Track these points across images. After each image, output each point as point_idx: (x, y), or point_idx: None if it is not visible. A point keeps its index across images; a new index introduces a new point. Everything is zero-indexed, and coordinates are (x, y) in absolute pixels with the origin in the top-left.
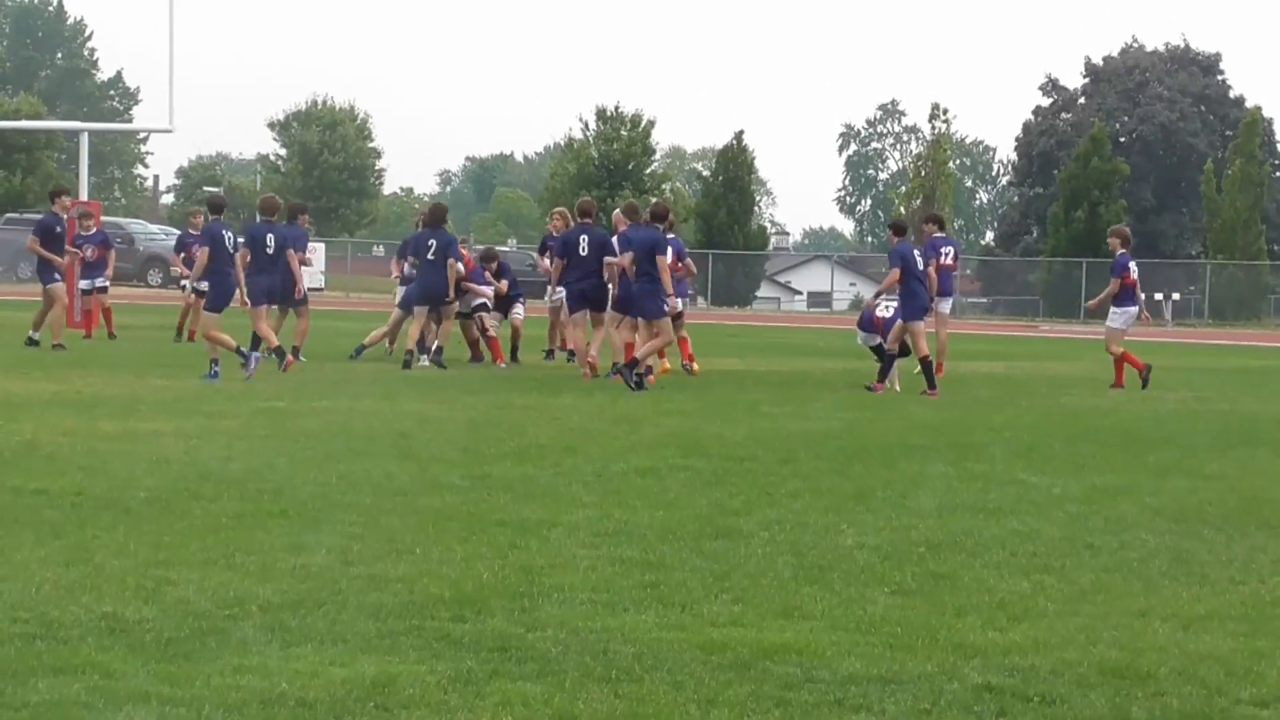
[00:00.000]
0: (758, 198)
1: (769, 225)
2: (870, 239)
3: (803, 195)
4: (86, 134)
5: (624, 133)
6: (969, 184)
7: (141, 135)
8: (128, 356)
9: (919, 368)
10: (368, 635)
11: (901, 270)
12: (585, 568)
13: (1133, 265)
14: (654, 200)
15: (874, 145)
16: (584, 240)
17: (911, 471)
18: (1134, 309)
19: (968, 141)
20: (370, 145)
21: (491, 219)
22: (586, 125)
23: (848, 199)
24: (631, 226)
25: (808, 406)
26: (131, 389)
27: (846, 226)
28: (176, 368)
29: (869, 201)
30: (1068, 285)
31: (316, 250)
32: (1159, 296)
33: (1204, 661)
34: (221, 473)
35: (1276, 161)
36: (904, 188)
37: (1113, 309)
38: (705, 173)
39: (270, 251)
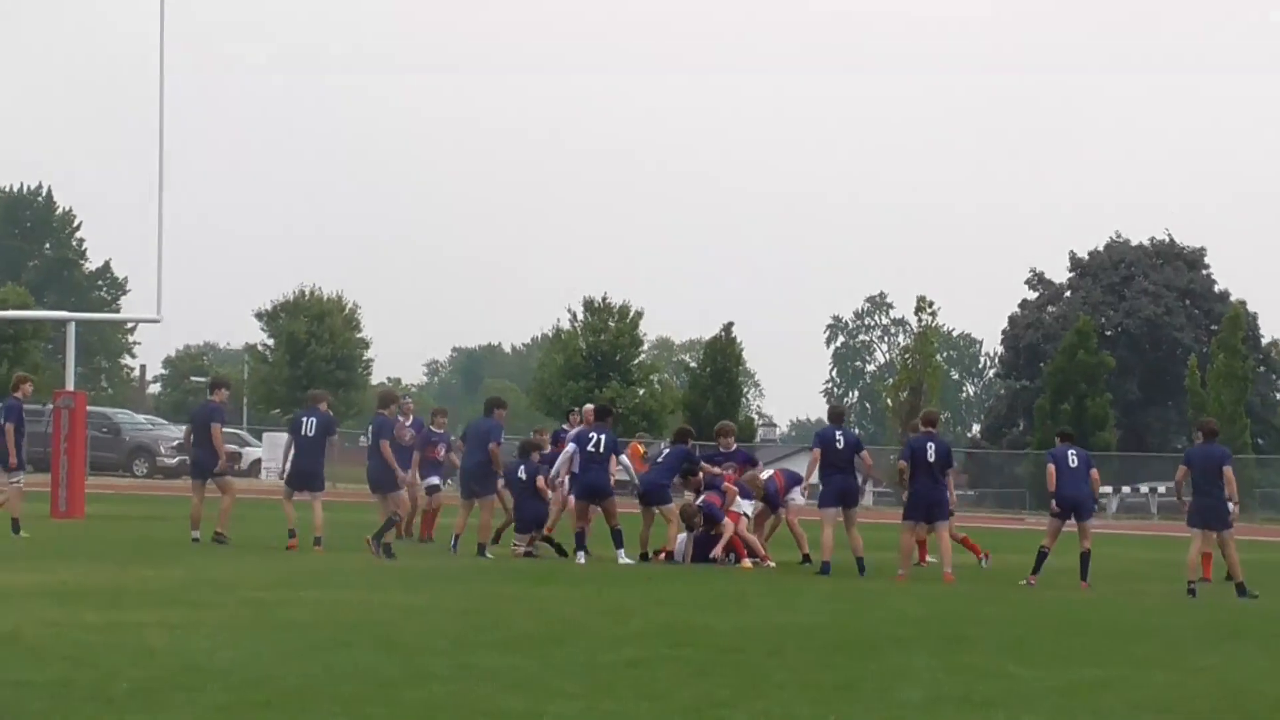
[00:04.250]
0: (745, 389)
1: (756, 417)
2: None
3: (790, 387)
4: (74, 324)
5: (611, 324)
6: (956, 376)
7: (129, 325)
8: (113, 547)
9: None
10: None
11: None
12: None
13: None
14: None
15: (861, 337)
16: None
17: (898, 664)
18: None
19: (954, 334)
20: (358, 335)
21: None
22: (574, 316)
23: (835, 390)
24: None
25: (795, 599)
26: (116, 579)
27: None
28: (161, 558)
29: (856, 393)
30: None
31: None
32: (1144, 489)
33: None
34: (206, 663)
35: (1260, 355)
36: (891, 380)
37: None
38: (693, 364)
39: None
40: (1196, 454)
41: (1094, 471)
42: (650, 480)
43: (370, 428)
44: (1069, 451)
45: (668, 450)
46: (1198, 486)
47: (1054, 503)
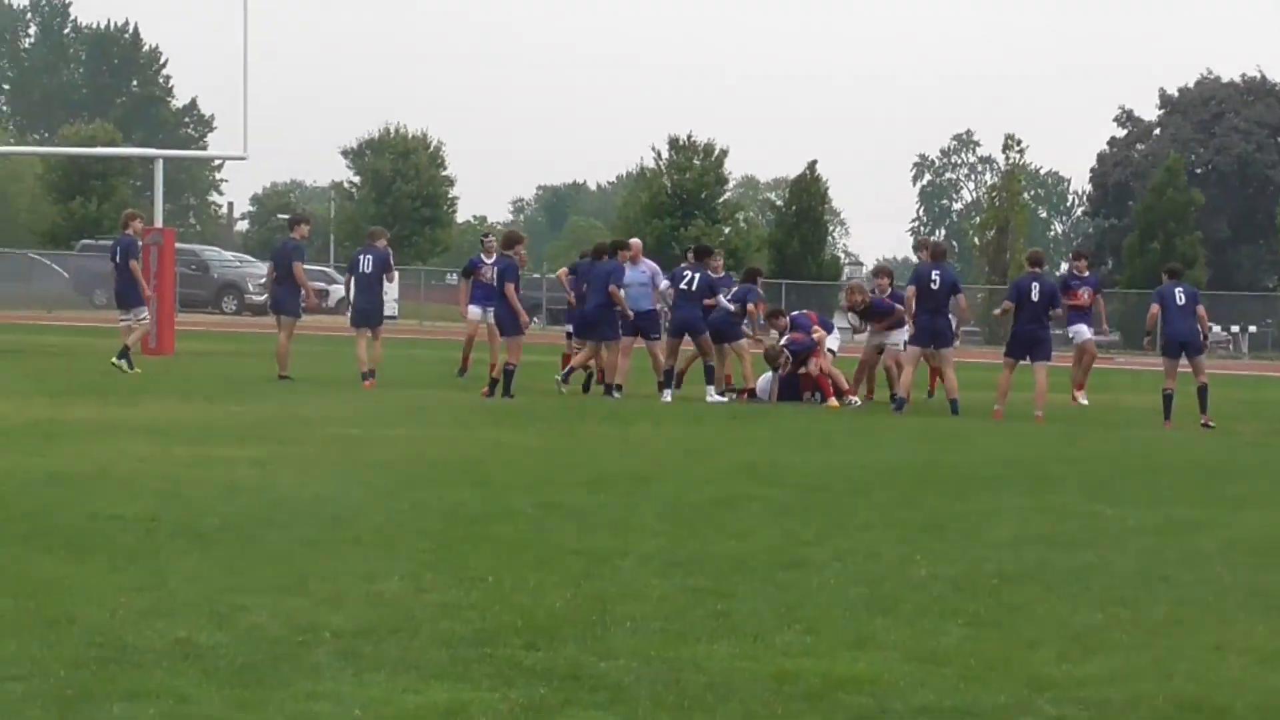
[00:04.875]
0: (831, 228)
1: (842, 255)
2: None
3: (876, 225)
4: (161, 161)
5: (696, 162)
6: (1043, 215)
7: (216, 163)
8: (203, 383)
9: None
10: (440, 663)
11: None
12: (657, 597)
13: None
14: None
15: (948, 176)
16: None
17: (985, 504)
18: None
19: (1042, 172)
20: (443, 173)
21: (564, 247)
22: (659, 154)
23: (921, 229)
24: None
25: (882, 437)
26: (206, 415)
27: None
28: (249, 394)
29: (943, 232)
30: (1143, 317)
31: (390, 278)
32: (1235, 329)
33: None
34: (294, 499)
35: None
36: (978, 219)
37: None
38: (778, 202)
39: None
40: (1166, 290)
41: (1201, 308)
42: (717, 318)
43: (495, 269)
44: (1176, 289)
45: (736, 289)
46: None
47: (1163, 343)
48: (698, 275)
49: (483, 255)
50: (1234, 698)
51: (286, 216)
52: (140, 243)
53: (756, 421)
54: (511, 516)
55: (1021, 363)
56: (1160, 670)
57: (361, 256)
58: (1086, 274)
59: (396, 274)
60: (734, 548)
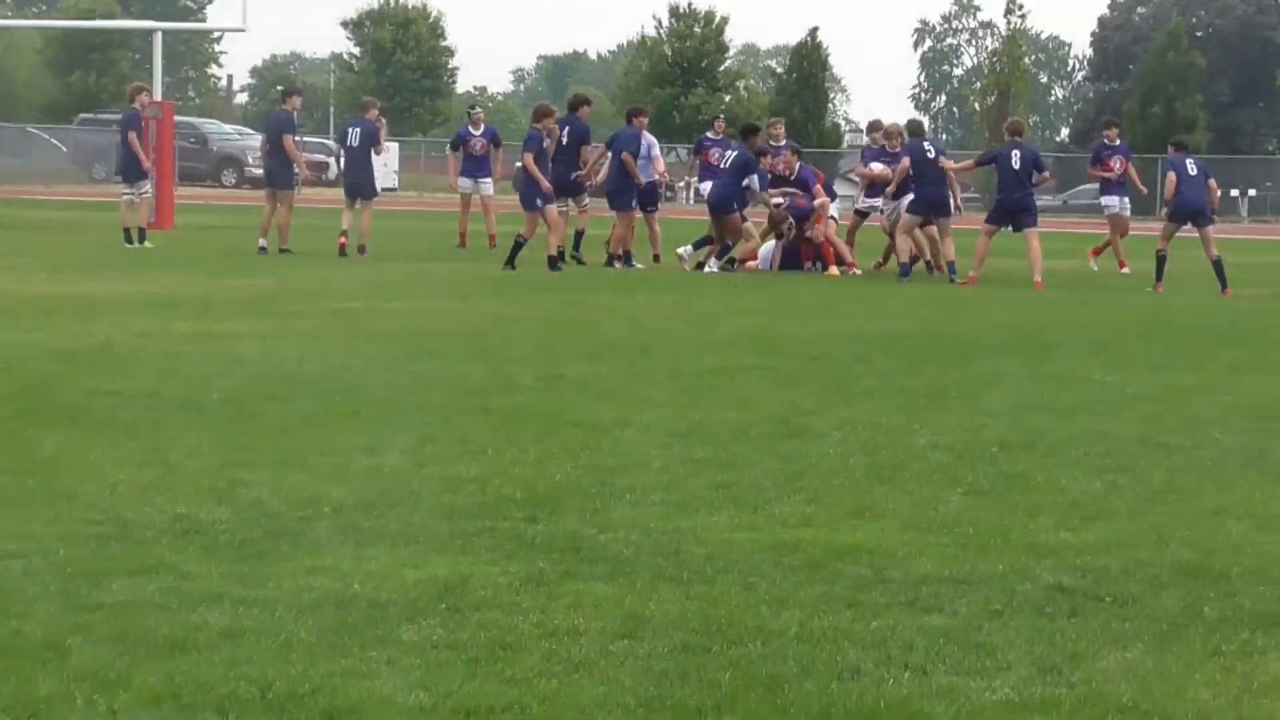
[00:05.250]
0: (832, 95)
1: (843, 123)
2: (945, 136)
3: (877, 92)
4: (160, 33)
5: (697, 30)
6: (1044, 80)
7: (215, 35)
8: (203, 257)
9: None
10: (440, 536)
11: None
12: (658, 468)
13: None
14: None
15: (949, 41)
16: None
17: (985, 371)
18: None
19: (1043, 37)
20: (443, 44)
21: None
22: (660, 23)
23: (922, 95)
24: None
25: (883, 305)
26: (207, 290)
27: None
28: (249, 269)
29: (944, 98)
30: (1143, 181)
31: (390, 149)
32: (1235, 192)
33: (1278, 561)
34: (295, 373)
35: None
36: (979, 84)
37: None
38: (779, 70)
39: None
40: (1179, 163)
41: (1212, 181)
42: (716, 190)
43: (524, 141)
44: (1187, 160)
45: (733, 154)
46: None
47: (1173, 209)
48: (734, 153)
49: (470, 127)
50: (1231, 562)
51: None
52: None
53: (757, 290)
54: (512, 389)
55: (1008, 230)
56: (1158, 536)
57: (350, 129)
58: (1118, 143)
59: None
60: (734, 417)
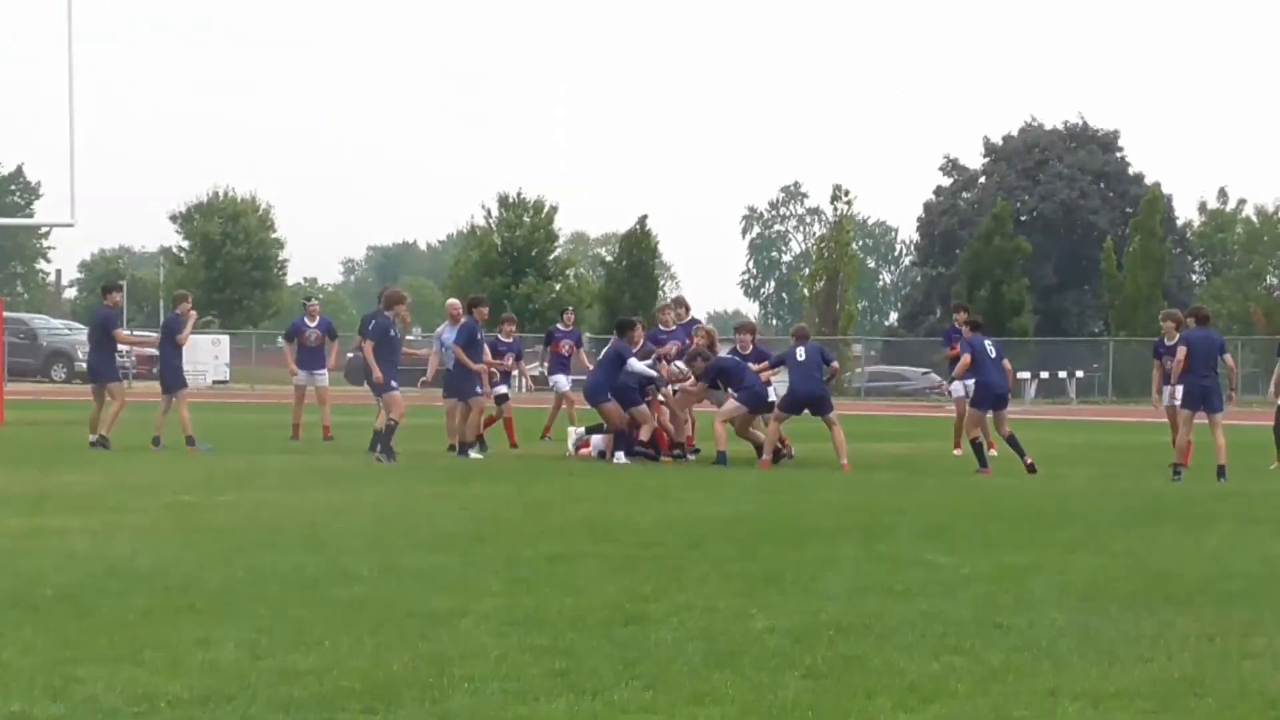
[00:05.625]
0: (662, 282)
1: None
2: (775, 321)
3: (707, 278)
4: None
5: (526, 219)
6: (872, 265)
7: (43, 230)
8: (33, 453)
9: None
10: None
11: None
12: (496, 657)
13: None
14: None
15: (777, 228)
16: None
17: (820, 554)
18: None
19: (870, 222)
20: (273, 236)
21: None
22: (489, 212)
23: (751, 281)
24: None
25: (718, 490)
26: (38, 485)
27: (751, 309)
28: (81, 463)
29: (773, 284)
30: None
31: (221, 342)
32: (1063, 374)
33: None
34: (129, 568)
35: (1176, 238)
36: (808, 269)
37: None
38: (609, 257)
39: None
40: (1197, 338)
41: (1006, 362)
42: (591, 382)
43: (370, 325)
44: (986, 341)
45: (609, 347)
46: (1194, 370)
47: (977, 395)
48: (608, 348)
49: (305, 318)
50: None
51: (120, 283)
52: None
53: (592, 477)
54: (348, 579)
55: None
56: (996, 716)
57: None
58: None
59: (220, 339)
60: (571, 604)
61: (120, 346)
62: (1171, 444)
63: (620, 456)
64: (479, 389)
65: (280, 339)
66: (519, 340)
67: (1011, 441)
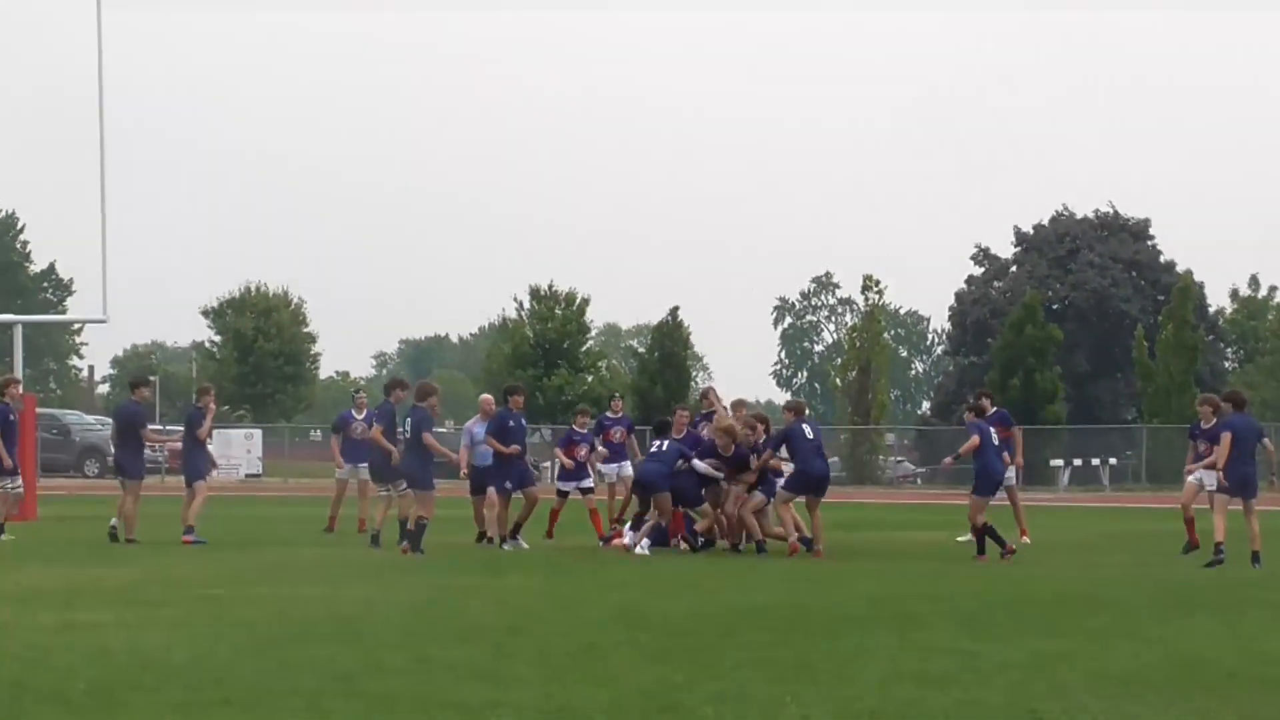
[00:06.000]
0: (694, 373)
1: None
2: (809, 411)
3: (739, 369)
4: (20, 326)
5: (558, 311)
6: (904, 354)
7: (76, 326)
8: (66, 548)
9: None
10: None
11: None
12: None
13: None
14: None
15: (809, 318)
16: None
17: (854, 642)
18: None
19: (901, 312)
20: (305, 330)
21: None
22: (521, 305)
23: (784, 372)
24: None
25: (748, 579)
26: (70, 579)
27: (783, 399)
28: (114, 558)
29: (805, 374)
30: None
31: (253, 436)
32: (1096, 461)
33: None
34: (163, 662)
35: (1208, 325)
36: (840, 360)
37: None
38: (641, 349)
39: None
40: (1240, 424)
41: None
42: (646, 469)
43: (410, 420)
44: (991, 429)
45: (667, 444)
46: (1237, 456)
47: (981, 483)
48: (667, 443)
49: (353, 411)
50: None
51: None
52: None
53: (624, 567)
54: (383, 672)
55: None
56: None
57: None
58: (992, 410)
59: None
60: (606, 694)
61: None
62: (1187, 522)
63: (644, 545)
64: (506, 484)
65: (328, 431)
66: (605, 418)
67: (989, 533)
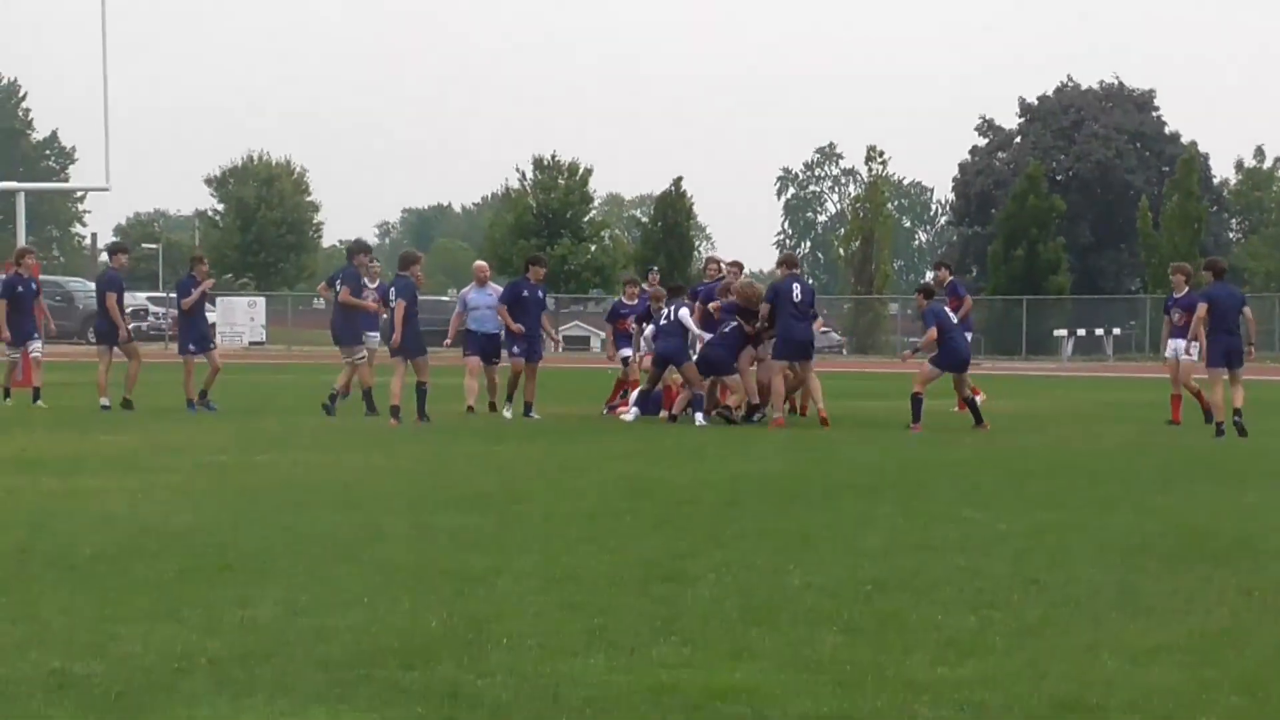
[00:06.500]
0: (696, 243)
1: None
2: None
3: (742, 239)
4: (23, 194)
5: (561, 181)
6: (907, 225)
7: (78, 194)
8: (68, 414)
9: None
10: (317, 686)
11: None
12: (533, 614)
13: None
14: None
15: (812, 189)
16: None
17: (856, 512)
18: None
19: (905, 183)
20: (308, 199)
21: (431, 270)
22: (524, 175)
23: (786, 242)
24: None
25: (751, 448)
26: (74, 446)
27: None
28: (117, 424)
29: (808, 244)
30: (1008, 323)
31: (257, 304)
32: (1099, 332)
33: (1153, 694)
34: (165, 528)
35: (1212, 196)
36: (843, 230)
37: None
38: (644, 219)
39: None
40: (1219, 293)
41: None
42: (676, 344)
43: (393, 289)
44: (947, 308)
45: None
46: (1219, 326)
47: (939, 358)
48: (675, 308)
49: (365, 279)
50: (1107, 696)
51: (153, 245)
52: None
53: (627, 436)
54: (384, 539)
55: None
56: (1035, 671)
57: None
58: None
59: (256, 301)
60: (608, 562)
61: (155, 309)
62: (1170, 400)
63: (700, 418)
64: (515, 348)
65: (319, 303)
66: (645, 297)
67: (971, 404)
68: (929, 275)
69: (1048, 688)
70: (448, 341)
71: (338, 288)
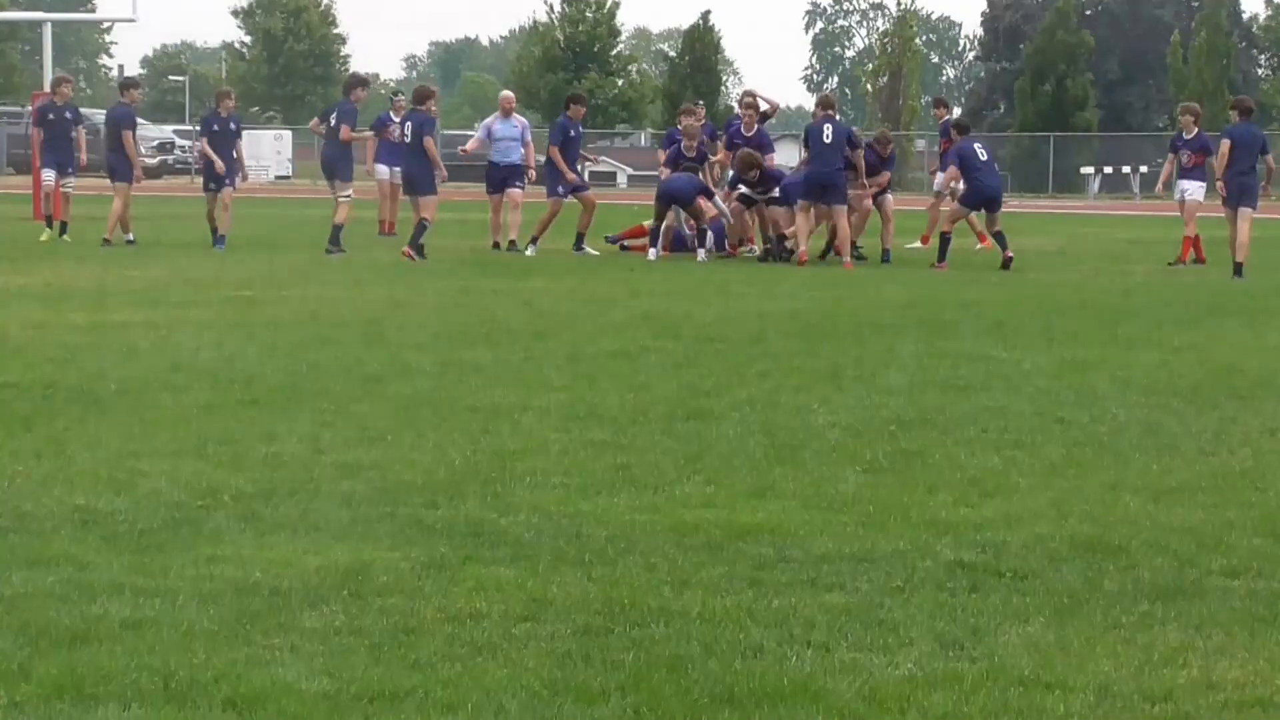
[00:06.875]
0: (724, 78)
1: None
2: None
3: (769, 74)
4: (49, 24)
5: (589, 15)
6: (935, 60)
7: (105, 25)
8: (94, 248)
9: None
10: (341, 523)
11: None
12: (557, 451)
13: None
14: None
15: (840, 23)
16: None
17: (881, 349)
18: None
19: (933, 17)
20: (335, 31)
21: (458, 104)
22: (551, 8)
23: (814, 77)
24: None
25: (776, 286)
26: (100, 280)
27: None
28: (143, 258)
29: (836, 79)
30: (1035, 160)
31: (283, 137)
32: (1126, 169)
33: (1175, 533)
34: (191, 363)
35: (1242, 31)
36: (871, 65)
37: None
38: (671, 54)
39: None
40: (1241, 132)
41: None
42: (688, 180)
43: (409, 125)
44: (975, 145)
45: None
46: (1235, 164)
47: (967, 195)
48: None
49: (391, 113)
50: (1130, 536)
51: (179, 78)
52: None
53: (653, 273)
54: (409, 374)
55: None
56: (1057, 511)
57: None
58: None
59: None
60: (632, 400)
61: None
62: (1185, 240)
63: (702, 254)
64: (560, 189)
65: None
66: (711, 124)
67: (1000, 237)
68: (957, 112)
69: (1069, 527)
70: (443, 175)
71: (332, 123)
